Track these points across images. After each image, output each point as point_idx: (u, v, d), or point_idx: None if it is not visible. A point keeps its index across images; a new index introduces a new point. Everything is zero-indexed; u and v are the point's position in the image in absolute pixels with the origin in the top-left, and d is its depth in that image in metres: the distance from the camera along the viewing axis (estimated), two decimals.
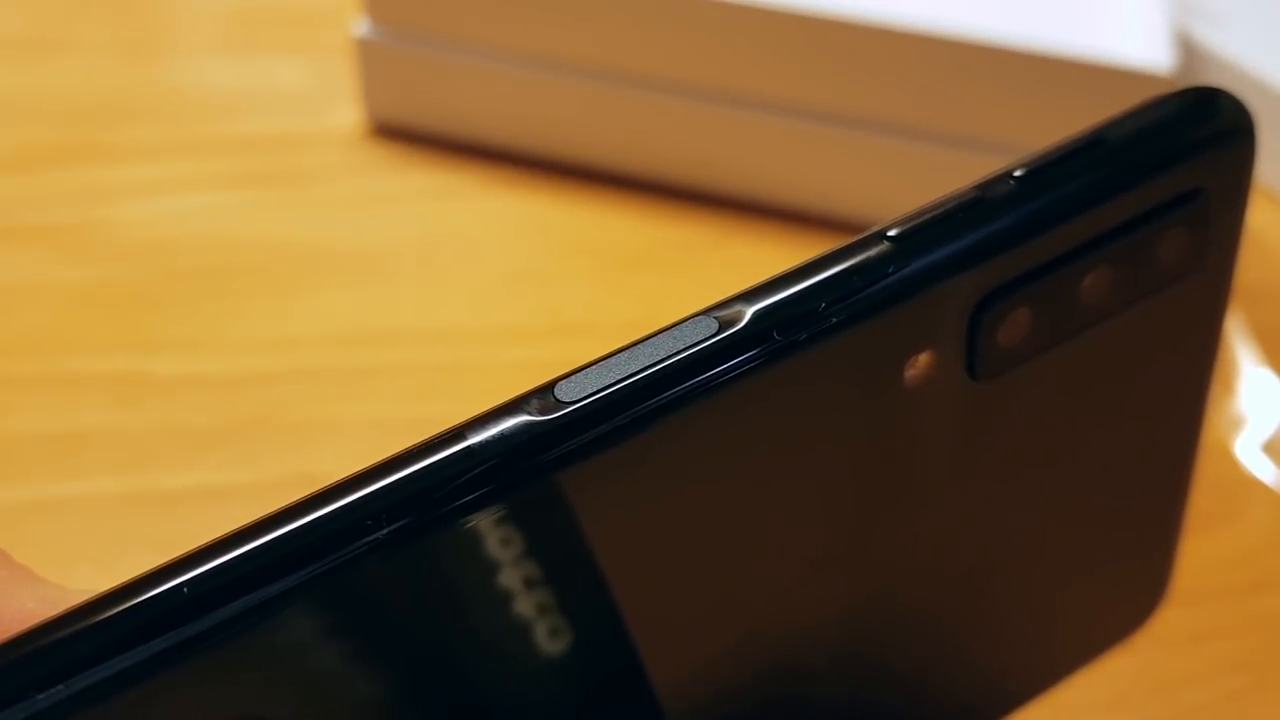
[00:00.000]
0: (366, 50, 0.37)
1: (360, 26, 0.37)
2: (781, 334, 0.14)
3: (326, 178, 0.37)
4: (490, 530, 0.13)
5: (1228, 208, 0.17)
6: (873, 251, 0.14)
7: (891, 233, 0.14)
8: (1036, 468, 0.18)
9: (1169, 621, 0.27)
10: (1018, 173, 0.15)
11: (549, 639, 0.14)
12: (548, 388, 0.13)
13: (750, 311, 0.14)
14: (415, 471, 0.12)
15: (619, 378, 0.13)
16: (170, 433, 0.30)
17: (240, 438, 0.30)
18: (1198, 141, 0.16)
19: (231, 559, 0.12)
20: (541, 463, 0.13)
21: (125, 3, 0.43)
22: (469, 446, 0.13)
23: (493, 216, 0.36)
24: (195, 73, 0.41)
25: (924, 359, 0.15)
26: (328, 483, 0.13)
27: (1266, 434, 0.31)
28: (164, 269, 0.34)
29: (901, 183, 0.35)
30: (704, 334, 0.14)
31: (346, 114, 0.39)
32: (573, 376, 0.13)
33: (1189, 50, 0.39)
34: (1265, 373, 0.33)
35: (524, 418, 0.13)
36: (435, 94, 0.37)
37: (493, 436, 0.13)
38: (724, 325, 0.14)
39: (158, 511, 0.29)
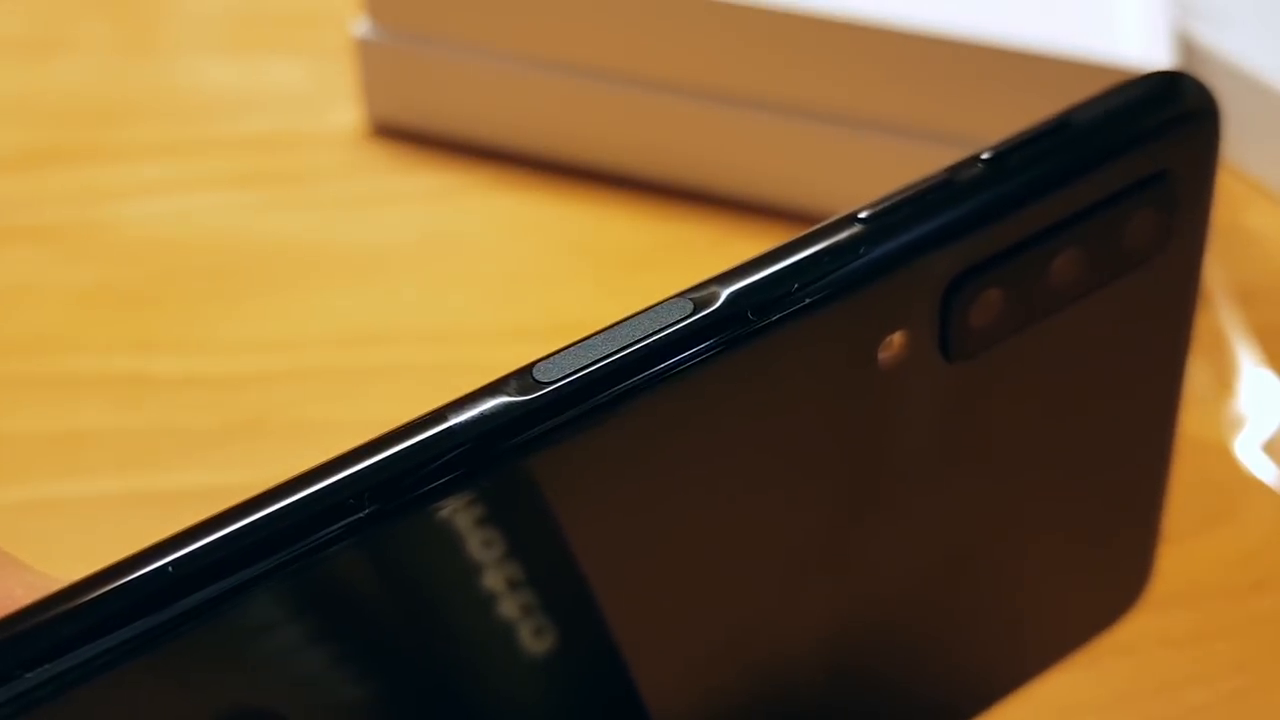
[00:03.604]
0: (366, 50, 0.37)
1: (360, 26, 0.37)
2: (755, 315, 0.14)
3: (326, 178, 0.37)
4: (471, 512, 0.13)
5: (1194, 190, 0.17)
6: (845, 233, 0.15)
7: (863, 215, 0.15)
8: (1014, 452, 0.18)
9: (1169, 621, 0.27)
10: (986, 156, 0.15)
11: (530, 623, 0.14)
12: (527, 369, 0.13)
13: (725, 293, 0.14)
14: (396, 452, 0.13)
15: (596, 358, 0.13)
16: (170, 433, 0.30)
17: (240, 438, 0.30)
18: (1162, 124, 0.16)
19: (214, 540, 0.12)
20: (520, 442, 0.13)
21: (125, 3, 0.43)
22: (449, 427, 0.13)
23: (493, 216, 0.36)
24: (195, 73, 0.41)
25: (898, 339, 0.15)
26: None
27: (1266, 434, 0.31)
28: (164, 269, 0.34)
29: (902, 183, 0.35)
30: (679, 315, 0.14)
31: (346, 114, 0.39)
32: (551, 358, 0.13)
33: (1189, 50, 0.39)
34: (1265, 373, 0.33)
35: (503, 399, 0.13)
36: (435, 94, 0.37)
37: (472, 417, 0.13)
38: (699, 306, 0.14)
39: (158, 511, 0.29)
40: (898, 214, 0.15)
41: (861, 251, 0.14)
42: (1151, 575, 0.21)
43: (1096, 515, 0.20)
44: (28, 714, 0.11)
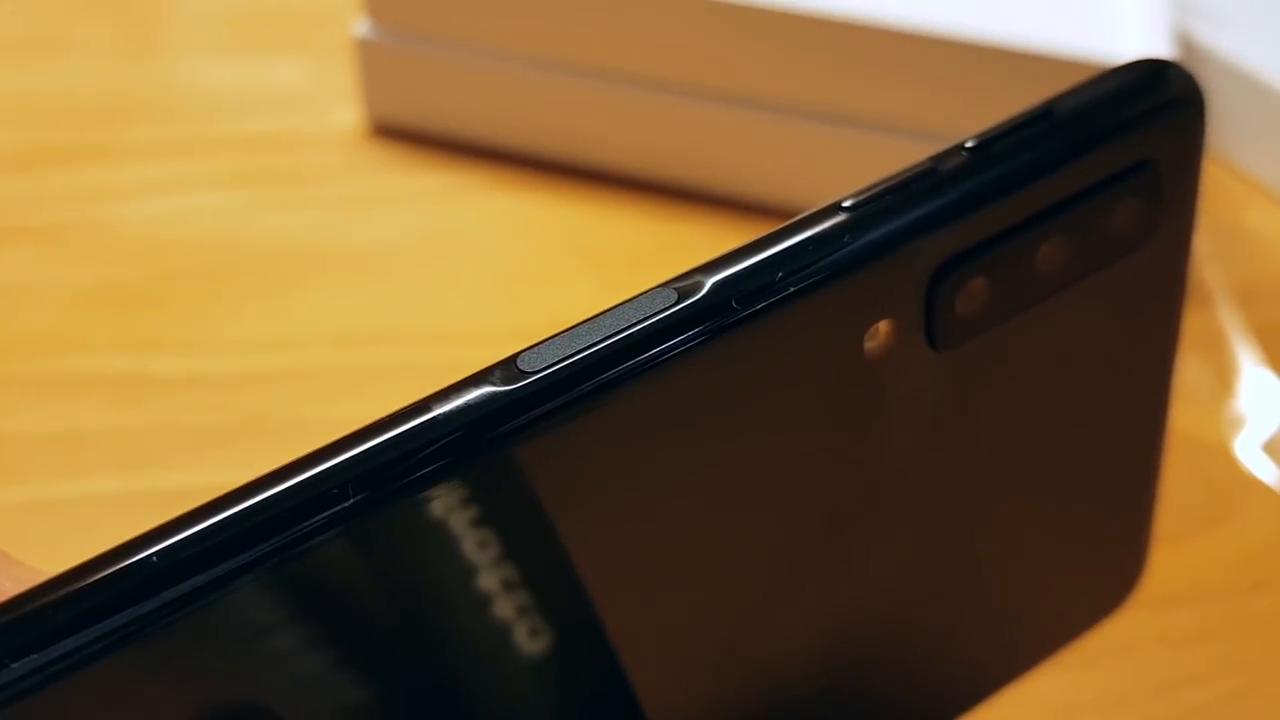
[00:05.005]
0: (366, 50, 0.37)
1: (360, 26, 0.37)
2: (740, 303, 0.14)
3: (326, 178, 0.37)
4: (456, 501, 0.13)
5: (1180, 178, 0.17)
6: (829, 222, 0.15)
7: (847, 203, 0.15)
8: (1004, 442, 0.18)
9: (1168, 621, 0.27)
10: (970, 144, 0.15)
11: (516, 614, 0.14)
12: (511, 360, 0.14)
13: (709, 282, 0.14)
14: (381, 441, 0.13)
15: (580, 348, 0.14)
16: (170, 433, 0.30)
17: (240, 438, 0.30)
18: (1146, 112, 0.16)
19: (199, 530, 0.12)
20: (505, 432, 0.13)
21: (125, 3, 0.43)
22: (433, 417, 0.13)
23: (493, 216, 0.36)
24: (195, 73, 0.41)
25: (884, 328, 0.15)
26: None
27: (1266, 434, 0.31)
28: (164, 269, 0.34)
29: None
30: (664, 304, 0.14)
31: (346, 114, 0.39)
32: (535, 348, 0.14)
33: (1189, 50, 0.39)
34: (1265, 373, 0.33)
35: (488, 388, 0.13)
36: (435, 94, 0.37)
37: (457, 407, 0.13)
38: (683, 295, 0.14)
39: (158, 511, 0.28)
40: (882, 202, 0.15)
41: (846, 240, 0.15)
42: (1145, 570, 0.21)
43: (1087, 508, 0.20)
44: (15, 704, 0.11)
